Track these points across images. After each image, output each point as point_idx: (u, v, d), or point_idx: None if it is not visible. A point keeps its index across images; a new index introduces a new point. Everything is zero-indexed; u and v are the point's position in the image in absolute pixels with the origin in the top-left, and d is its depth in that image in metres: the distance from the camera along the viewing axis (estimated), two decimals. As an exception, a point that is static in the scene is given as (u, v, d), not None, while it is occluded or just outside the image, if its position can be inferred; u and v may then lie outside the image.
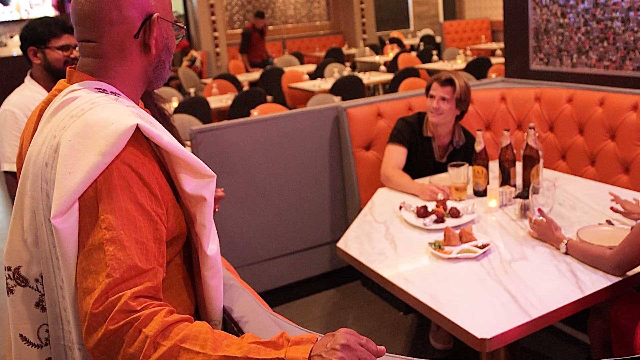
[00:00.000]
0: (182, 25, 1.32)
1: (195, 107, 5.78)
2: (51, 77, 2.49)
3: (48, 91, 2.32)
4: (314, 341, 1.05)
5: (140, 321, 1.02)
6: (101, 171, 1.10)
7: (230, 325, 1.39)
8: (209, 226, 1.28)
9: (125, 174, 1.12)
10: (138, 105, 1.31)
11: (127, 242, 1.08)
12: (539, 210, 2.26)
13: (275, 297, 3.48)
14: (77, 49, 2.44)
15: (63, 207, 1.09)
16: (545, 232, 2.21)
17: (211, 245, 1.28)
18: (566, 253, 2.12)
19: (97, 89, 1.23)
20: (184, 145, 2.57)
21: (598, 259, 2.00)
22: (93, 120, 1.13)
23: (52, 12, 10.41)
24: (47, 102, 1.27)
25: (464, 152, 3.11)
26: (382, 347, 1.08)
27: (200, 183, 1.24)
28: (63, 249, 1.11)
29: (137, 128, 1.15)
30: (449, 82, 2.96)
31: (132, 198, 1.12)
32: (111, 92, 1.23)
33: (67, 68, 1.29)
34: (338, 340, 1.02)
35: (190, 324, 1.06)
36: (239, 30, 12.64)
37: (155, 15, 1.23)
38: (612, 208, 2.42)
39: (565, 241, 2.12)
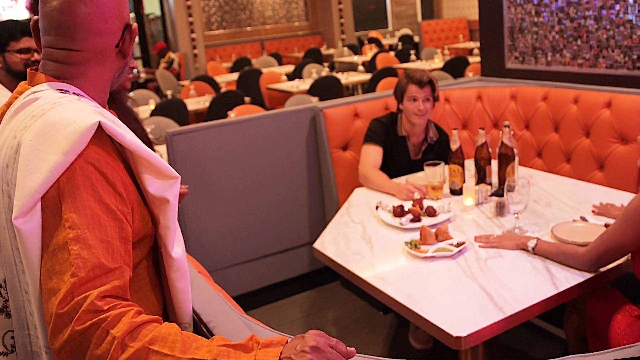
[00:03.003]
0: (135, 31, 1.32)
1: (173, 109, 5.75)
2: (14, 80, 2.45)
3: None
4: (284, 343, 1.04)
5: (108, 322, 1.00)
6: (63, 170, 1.08)
7: (201, 328, 1.38)
8: (173, 228, 1.27)
9: (88, 173, 1.10)
10: (104, 107, 1.30)
11: (91, 241, 1.06)
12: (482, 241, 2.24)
13: (254, 300, 3.46)
14: (38, 52, 2.42)
15: (25, 208, 1.07)
16: (511, 238, 2.20)
17: (176, 248, 1.27)
18: (533, 251, 2.10)
19: (59, 89, 1.21)
20: (153, 148, 2.55)
21: (571, 257, 2.01)
22: (54, 119, 1.11)
23: (26, 15, 10.28)
24: (7, 105, 1.25)
25: (438, 148, 3.13)
26: (352, 349, 1.07)
27: (164, 184, 1.23)
28: (26, 251, 1.09)
29: (100, 127, 1.13)
30: (428, 83, 2.97)
31: (96, 197, 1.10)
32: (73, 93, 1.21)
33: (28, 70, 1.27)
34: (307, 342, 1.02)
35: (159, 325, 1.03)
36: (217, 32, 12.61)
37: (134, 25, 1.27)
38: (593, 212, 2.45)
39: (535, 240, 2.12)
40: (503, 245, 2.19)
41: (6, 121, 1.21)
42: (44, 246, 1.08)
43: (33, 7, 10.34)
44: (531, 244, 2.11)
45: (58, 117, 1.12)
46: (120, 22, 1.24)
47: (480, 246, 2.23)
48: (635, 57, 3.05)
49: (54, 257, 1.06)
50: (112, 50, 1.25)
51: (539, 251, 2.09)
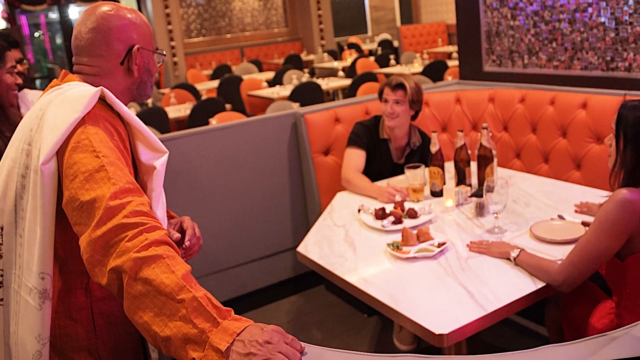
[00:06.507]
0: (163, 53, 1.61)
1: (154, 117, 5.74)
2: None
3: None
4: (251, 323, 1.11)
5: (147, 227, 1.20)
6: (77, 124, 1.32)
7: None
8: (158, 191, 1.47)
9: (102, 122, 1.37)
10: None
11: (121, 166, 1.30)
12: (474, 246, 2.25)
13: (238, 305, 3.47)
14: (22, 63, 2.45)
15: (49, 155, 1.31)
16: (499, 246, 2.16)
17: (158, 212, 1.46)
18: (515, 261, 2.07)
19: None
20: None
21: (545, 271, 1.96)
22: (71, 94, 1.39)
23: (2, 24, 10.21)
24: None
25: (421, 153, 3.16)
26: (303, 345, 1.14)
27: (154, 155, 1.47)
28: (45, 189, 1.31)
29: (106, 105, 1.41)
30: (399, 86, 3.02)
31: (112, 139, 1.36)
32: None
33: (62, 70, 1.55)
34: (263, 336, 1.07)
35: (179, 257, 1.19)
36: (197, 39, 12.59)
37: (135, 47, 1.51)
38: (576, 211, 2.48)
39: (517, 251, 2.07)
40: (490, 252, 2.17)
41: (37, 102, 1.47)
42: (76, 174, 1.27)
43: (10, 17, 10.26)
44: (514, 253, 2.07)
45: (74, 92, 1.40)
46: (123, 45, 1.49)
47: (470, 250, 2.23)
48: (608, 58, 3.12)
49: (91, 179, 1.25)
50: (119, 67, 1.51)
51: (520, 262, 2.05)
